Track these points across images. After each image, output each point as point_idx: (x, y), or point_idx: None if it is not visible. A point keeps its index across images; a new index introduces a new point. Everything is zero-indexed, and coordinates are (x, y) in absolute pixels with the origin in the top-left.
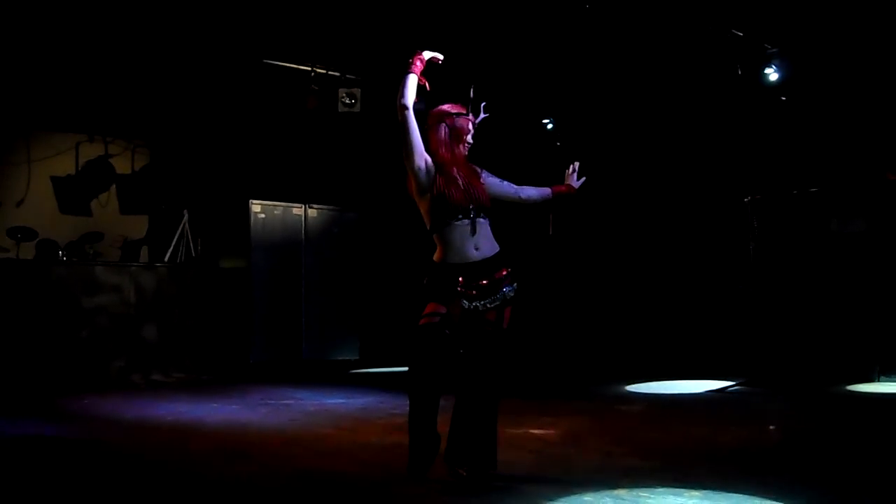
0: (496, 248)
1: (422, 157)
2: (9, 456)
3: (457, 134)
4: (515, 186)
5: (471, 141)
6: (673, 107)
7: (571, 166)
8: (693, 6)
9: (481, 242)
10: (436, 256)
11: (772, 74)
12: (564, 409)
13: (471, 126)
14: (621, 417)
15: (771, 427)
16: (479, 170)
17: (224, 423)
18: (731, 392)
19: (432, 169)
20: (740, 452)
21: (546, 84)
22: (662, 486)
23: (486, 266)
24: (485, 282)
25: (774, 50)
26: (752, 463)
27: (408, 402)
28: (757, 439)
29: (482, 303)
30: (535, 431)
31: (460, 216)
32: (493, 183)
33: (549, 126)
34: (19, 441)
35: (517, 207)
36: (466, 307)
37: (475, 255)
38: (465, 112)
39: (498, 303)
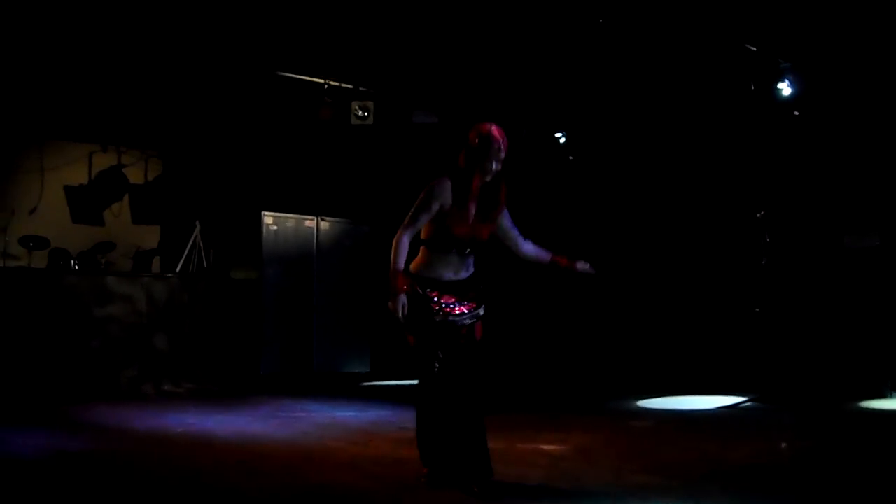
0: (471, 271)
1: (430, 215)
2: (18, 467)
3: (474, 164)
4: (521, 239)
5: (494, 168)
6: (686, 121)
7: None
8: (706, 21)
9: (461, 270)
10: (413, 266)
11: (785, 89)
12: (575, 424)
13: (493, 159)
14: (632, 433)
15: (782, 444)
16: (501, 206)
17: (235, 435)
18: (743, 408)
19: (448, 201)
20: (751, 469)
21: (559, 97)
22: (672, 502)
23: (458, 287)
24: (454, 300)
25: (787, 65)
26: (763, 480)
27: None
28: (768, 456)
29: (451, 319)
30: (546, 447)
31: (454, 250)
32: (505, 225)
33: (562, 140)
34: (29, 452)
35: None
36: (439, 319)
37: (451, 277)
38: (490, 142)
39: (467, 321)
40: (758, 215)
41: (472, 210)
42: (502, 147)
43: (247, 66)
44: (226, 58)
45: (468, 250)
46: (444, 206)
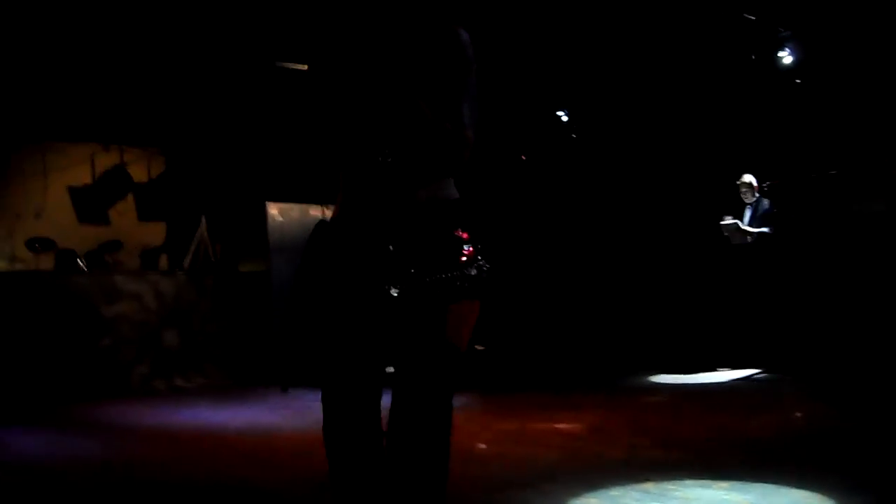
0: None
1: None
2: (31, 468)
3: None
4: None
5: None
6: (687, 94)
7: None
8: None
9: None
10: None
11: (785, 58)
12: (589, 402)
13: None
14: (646, 409)
15: (797, 414)
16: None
17: (247, 427)
18: (756, 380)
19: None
20: (767, 441)
21: (560, 76)
22: (689, 478)
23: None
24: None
25: (787, 33)
26: (778, 451)
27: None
28: (783, 427)
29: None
30: (560, 426)
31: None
32: None
33: (564, 118)
34: (41, 452)
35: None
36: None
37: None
38: None
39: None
40: (763, 186)
41: None
42: None
43: (245, 58)
44: (224, 50)
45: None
46: None
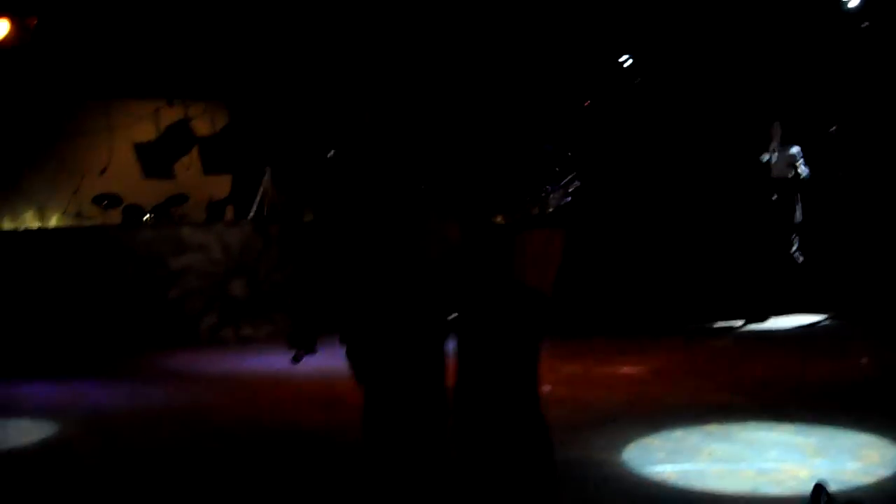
0: None
1: None
2: (107, 418)
3: None
4: None
5: None
6: (751, 36)
7: None
8: None
9: None
10: None
11: (851, 0)
12: (653, 346)
13: None
14: (711, 353)
15: (863, 360)
16: None
17: (313, 373)
18: (821, 326)
19: None
20: (831, 386)
21: (622, 22)
22: (753, 420)
23: None
24: None
25: None
26: (843, 396)
27: None
28: (848, 372)
29: None
30: (625, 370)
31: None
32: None
33: (628, 63)
34: (115, 403)
35: None
36: None
37: None
38: None
39: None
40: (831, 130)
41: None
42: None
43: (307, 8)
44: (283, 2)
45: None
46: None
